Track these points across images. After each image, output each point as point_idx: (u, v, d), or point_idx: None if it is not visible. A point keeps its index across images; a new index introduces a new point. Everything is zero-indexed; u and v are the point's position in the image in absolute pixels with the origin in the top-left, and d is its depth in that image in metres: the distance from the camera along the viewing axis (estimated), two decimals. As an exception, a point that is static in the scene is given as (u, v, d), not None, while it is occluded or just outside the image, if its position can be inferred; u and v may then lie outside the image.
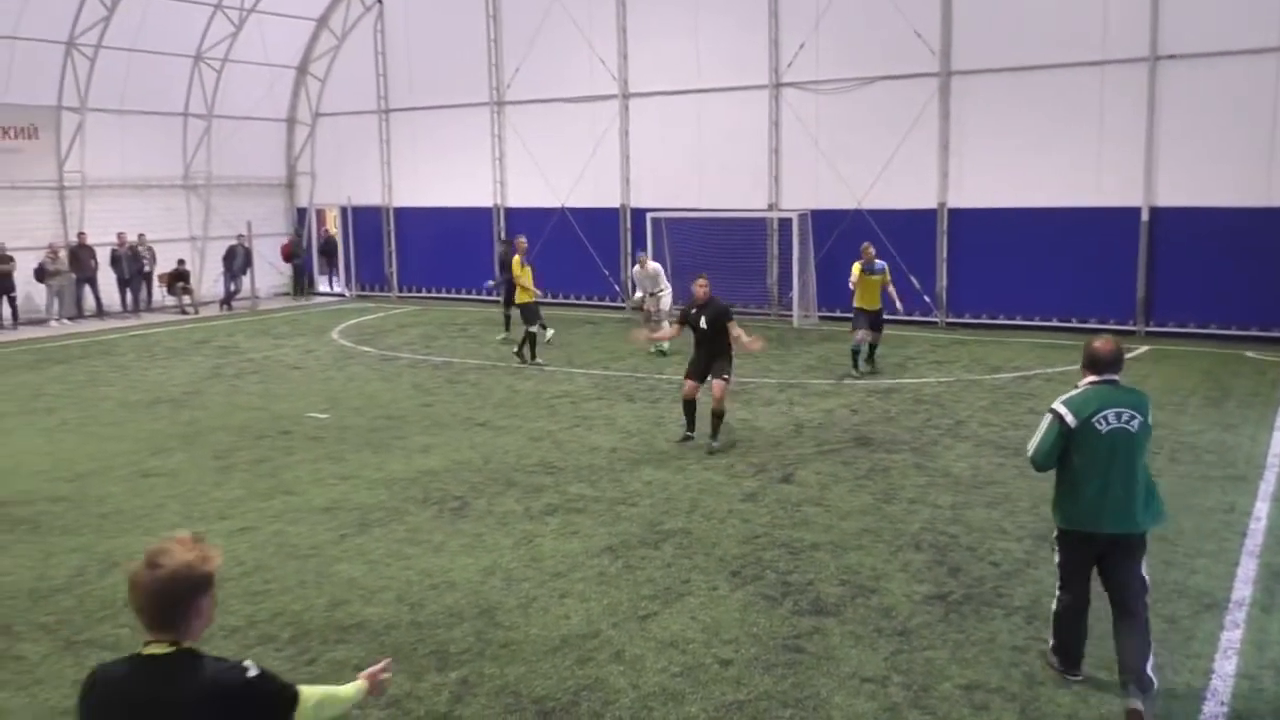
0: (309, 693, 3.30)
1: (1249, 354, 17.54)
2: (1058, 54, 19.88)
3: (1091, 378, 6.17)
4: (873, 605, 7.44)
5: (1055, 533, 6.36)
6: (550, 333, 18.38)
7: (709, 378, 11.78)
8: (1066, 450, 6.07)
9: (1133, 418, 5.99)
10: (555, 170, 25.79)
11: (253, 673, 3.09)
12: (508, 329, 20.44)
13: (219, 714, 2.96)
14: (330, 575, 8.22)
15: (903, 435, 12.41)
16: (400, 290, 28.97)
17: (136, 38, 25.15)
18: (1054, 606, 6.38)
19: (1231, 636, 6.83)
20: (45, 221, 24.82)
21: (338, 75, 29.26)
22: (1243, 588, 7.64)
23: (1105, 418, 5.98)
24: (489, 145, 26.84)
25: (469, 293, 27.01)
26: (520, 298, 17.82)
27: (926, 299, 21.71)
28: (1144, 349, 18.27)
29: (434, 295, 28.12)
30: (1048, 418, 6.20)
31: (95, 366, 18.44)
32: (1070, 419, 6.04)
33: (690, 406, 12.18)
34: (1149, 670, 5.81)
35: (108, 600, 7.77)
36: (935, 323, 21.61)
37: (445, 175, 27.68)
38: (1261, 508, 9.48)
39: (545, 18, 25.28)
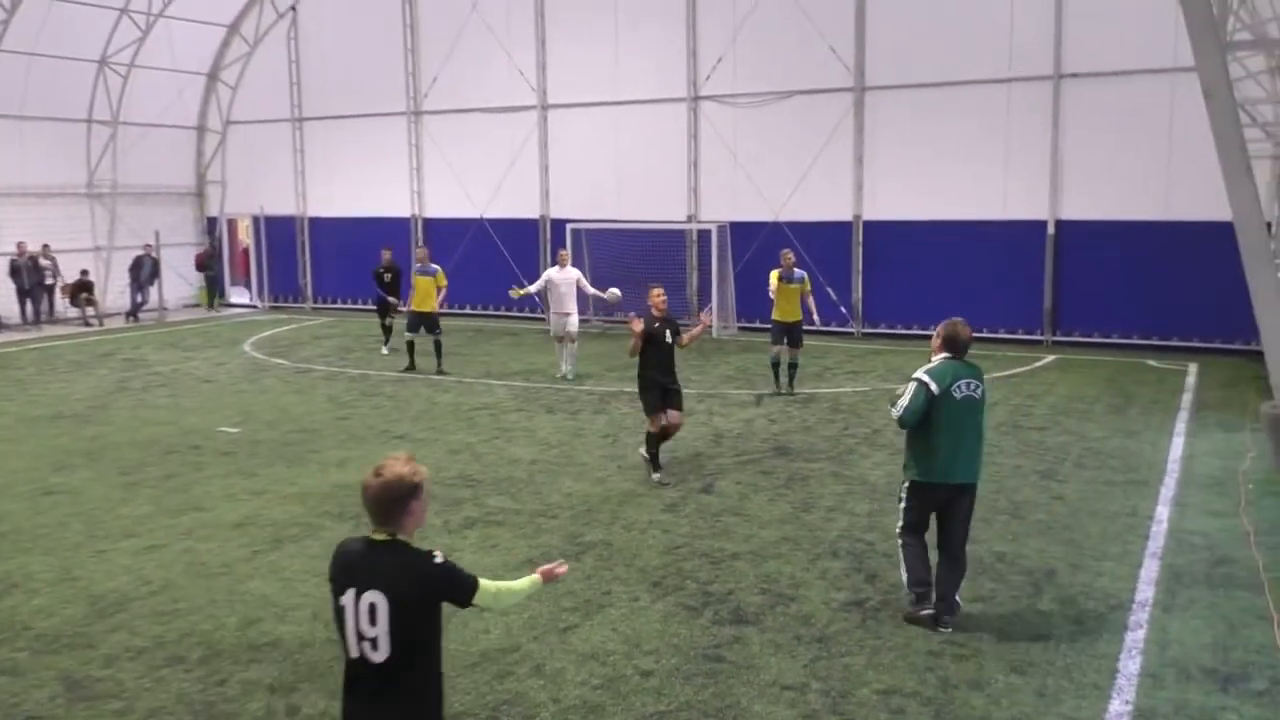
0: (488, 583, 4.21)
1: (1151, 363, 18.16)
2: (967, 71, 20.43)
3: (946, 354, 7.24)
4: (792, 613, 7.50)
5: (906, 486, 7.34)
6: (385, 350, 19.52)
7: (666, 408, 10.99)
8: (927, 413, 7.06)
9: (977, 386, 7.18)
10: (474, 181, 25.63)
11: (439, 559, 4.04)
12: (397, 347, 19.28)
13: (414, 586, 3.96)
14: (242, 593, 8.01)
15: (820, 444, 12.57)
16: (315, 301, 28.47)
17: (37, 41, 24.34)
18: (903, 553, 7.37)
19: (1135, 636, 7.05)
20: (-61, 230, 23.90)
21: (250, 82, 28.67)
22: (1145, 589, 7.89)
23: (960, 387, 7.11)
24: (406, 155, 26.57)
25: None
26: (427, 306, 17.79)
27: (843, 309, 22.05)
28: (1051, 358, 18.81)
29: (349, 307, 27.67)
30: (913, 385, 7.16)
31: (-7, 381, 17.76)
32: (934, 386, 7.07)
33: (660, 440, 11.13)
34: (957, 597, 7.24)
35: (6, 623, 7.47)
36: (851, 333, 21.96)
37: (361, 185, 27.30)
38: (1163, 511, 9.81)
39: (463, 27, 25.14)
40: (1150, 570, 8.28)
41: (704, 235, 22.95)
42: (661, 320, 11.13)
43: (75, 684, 6.56)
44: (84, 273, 25.81)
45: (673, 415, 11.07)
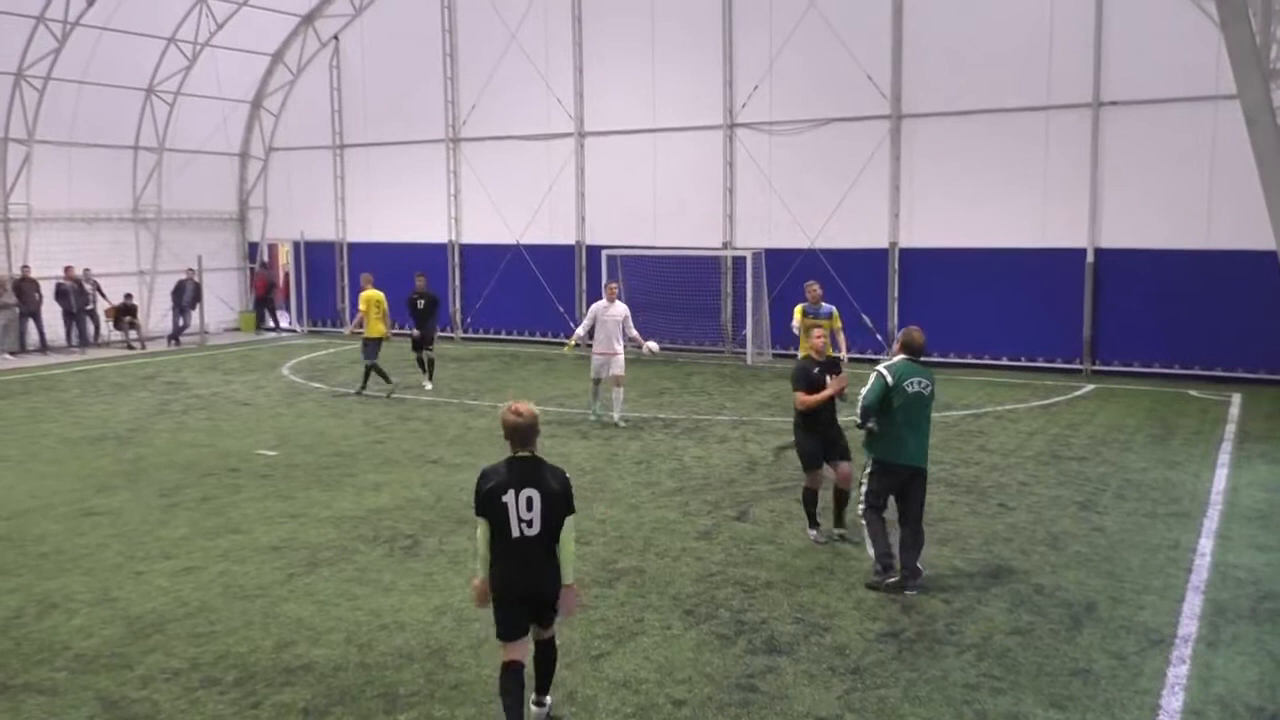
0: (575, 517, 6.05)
1: (1192, 392, 17.90)
2: (1004, 99, 20.35)
3: (904, 355, 8.53)
4: (826, 644, 7.43)
5: (871, 466, 8.54)
6: (428, 386, 18.91)
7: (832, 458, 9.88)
8: (888, 402, 8.31)
9: (926, 385, 8.45)
10: (511, 207, 25.83)
11: (567, 474, 6.05)
12: (425, 370, 19.17)
13: (560, 484, 5.92)
14: (277, 616, 8.06)
15: (855, 473, 12.45)
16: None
17: (87, 70, 24.92)
18: (868, 530, 8.53)
19: (1178, 672, 6.91)
20: (-11, 254, 24.43)
21: (292, 110, 29.16)
22: (1188, 623, 7.74)
23: (912, 383, 8.40)
24: (444, 181, 26.83)
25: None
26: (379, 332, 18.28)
27: (878, 337, 21.94)
28: (1090, 387, 18.58)
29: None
30: (874, 376, 8.44)
31: (37, 402, 18.05)
32: (890, 379, 8.36)
33: (837, 500, 9.98)
34: (919, 565, 8.42)
35: (45, 643, 7.55)
36: (887, 361, 21.78)
37: (400, 211, 27.60)
38: (1205, 544, 9.63)
39: (502, 56, 25.42)
40: (1193, 604, 8.12)
41: (739, 262, 22.95)
42: (821, 365, 10.03)
43: (112, 704, 6.61)
44: (128, 296, 26.24)
45: (844, 468, 9.79)
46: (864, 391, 8.40)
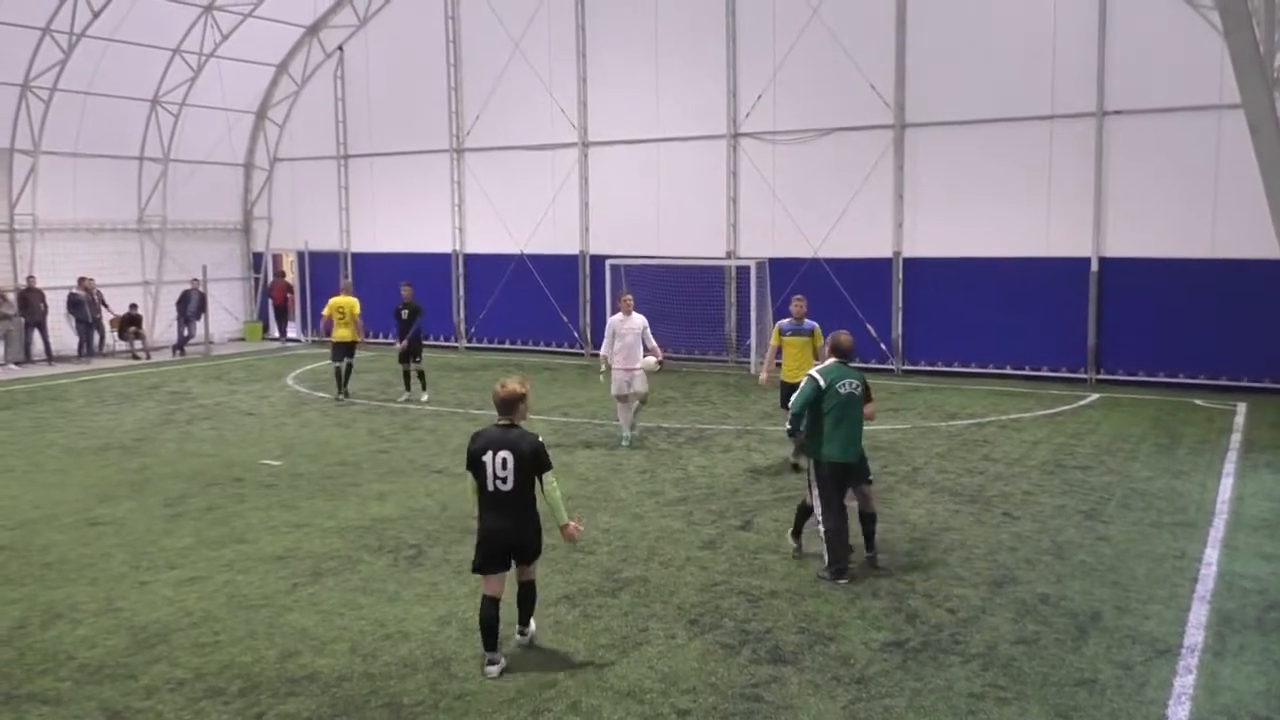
0: (553, 476, 7.21)
1: (1198, 402, 17.86)
2: (1008, 108, 20.36)
3: (835, 359, 9.13)
4: (831, 653, 7.42)
5: (815, 465, 9.09)
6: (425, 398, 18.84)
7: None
8: (819, 404, 8.91)
9: (857, 385, 9.03)
10: (514, 217, 25.87)
11: (541, 439, 7.16)
12: (408, 388, 19.07)
13: (529, 451, 7.03)
14: (281, 626, 8.06)
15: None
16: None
17: (93, 81, 25.00)
18: (822, 531, 8.96)
19: (1184, 682, 6.89)
20: (-6, 264, 24.50)
21: (296, 121, 29.25)
22: (1194, 633, 7.71)
23: (843, 385, 8.97)
24: (448, 191, 26.88)
25: (427, 339, 26.84)
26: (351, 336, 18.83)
27: (883, 346, 21.93)
28: (1094, 396, 18.56)
29: (390, 341, 27.86)
30: (805, 380, 9.06)
31: (42, 412, 18.08)
32: (822, 382, 8.93)
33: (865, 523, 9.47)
34: (874, 539, 9.21)
35: (50, 653, 7.55)
36: (891, 370, 21.80)
37: (404, 221, 27.66)
38: (1211, 554, 9.60)
39: (506, 66, 25.49)
40: (1199, 614, 8.09)
41: (743, 271, 22.96)
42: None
43: (116, 715, 6.61)
44: (133, 306, 26.29)
45: (866, 490, 9.39)
46: (793, 398, 9.05)
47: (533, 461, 7.04)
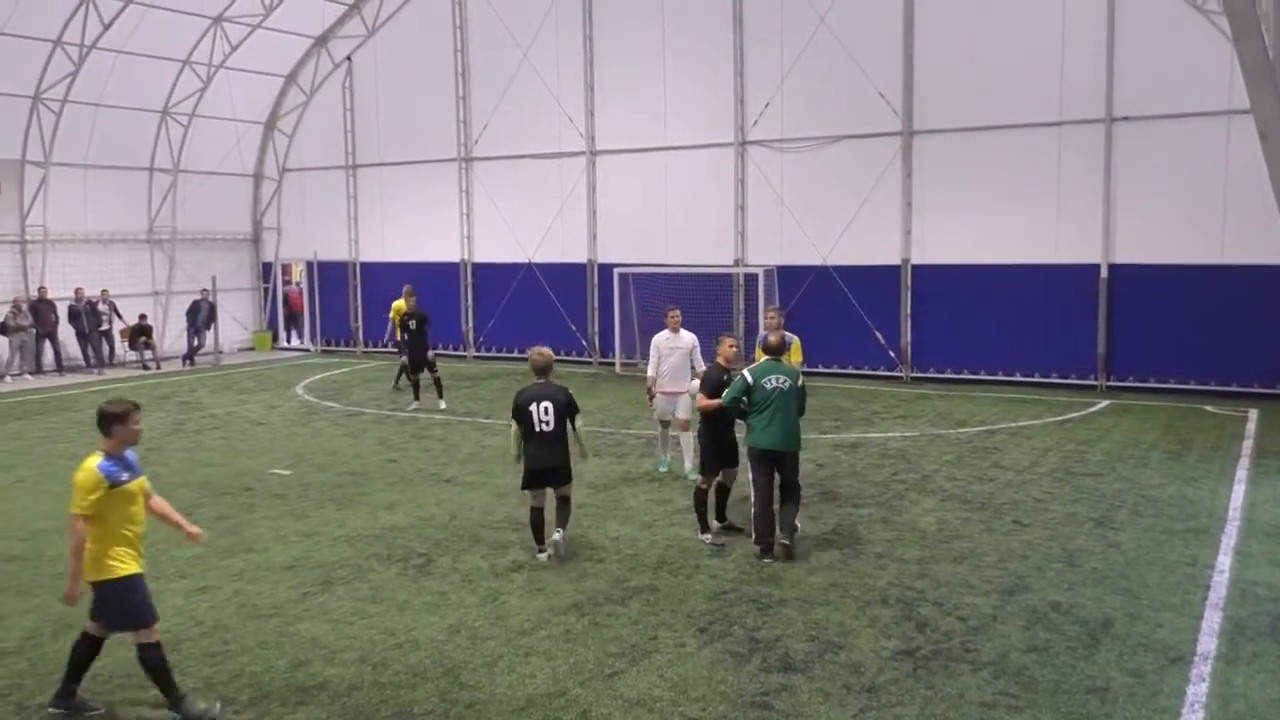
0: (580, 415, 9.98)
1: (1209, 408, 17.79)
2: (1016, 115, 20.34)
3: (766, 357, 10.09)
4: (841, 661, 7.39)
5: (748, 453, 9.91)
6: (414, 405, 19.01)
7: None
8: (750, 398, 9.79)
9: (785, 380, 9.81)
10: (523, 226, 25.92)
11: (569, 390, 9.92)
12: (418, 397, 19.22)
13: (564, 400, 9.80)
14: (291, 635, 8.07)
15: (869, 490, 12.43)
16: (366, 345, 28.83)
17: (103, 92, 25.14)
18: (757, 520, 9.80)
19: (1197, 690, 6.85)
20: (6, 275, 24.59)
21: (305, 131, 29.36)
22: (1207, 641, 7.67)
23: (770, 380, 9.80)
24: (457, 200, 26.95)
25: (436, 347, 26.89)
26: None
27: (891, 354, 21.90)
28: (1105, 403, 18.49)
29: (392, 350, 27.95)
30: (738, 377, 9.95)
31: (53, 423, 18.15)
32: (750, 378, 9.83)
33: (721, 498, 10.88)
34: (796, 521, 9.99)
35: (61, 663, 7.55)
36: (900, 377, 21.77)
37: (413, 230, 27.73)
38: (1224, 561, 9.56)
39: (514, 75, 25.56)
40: (1212, 622, 8.05)
41: (751, 279, 22.96)
42: (730, 373, 10.34)
43: (127, 724, 6.62)
44: (142, 317, 26.39)
45: (730, 471, 10.75)
46: (725, 392, 10.00)
47: (567, 408, 9.69)
